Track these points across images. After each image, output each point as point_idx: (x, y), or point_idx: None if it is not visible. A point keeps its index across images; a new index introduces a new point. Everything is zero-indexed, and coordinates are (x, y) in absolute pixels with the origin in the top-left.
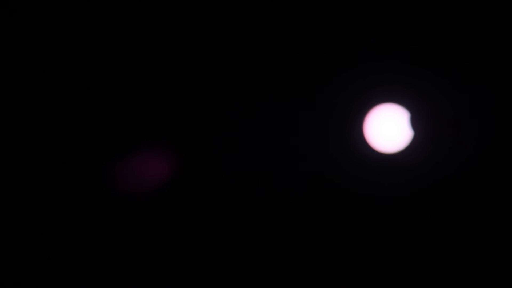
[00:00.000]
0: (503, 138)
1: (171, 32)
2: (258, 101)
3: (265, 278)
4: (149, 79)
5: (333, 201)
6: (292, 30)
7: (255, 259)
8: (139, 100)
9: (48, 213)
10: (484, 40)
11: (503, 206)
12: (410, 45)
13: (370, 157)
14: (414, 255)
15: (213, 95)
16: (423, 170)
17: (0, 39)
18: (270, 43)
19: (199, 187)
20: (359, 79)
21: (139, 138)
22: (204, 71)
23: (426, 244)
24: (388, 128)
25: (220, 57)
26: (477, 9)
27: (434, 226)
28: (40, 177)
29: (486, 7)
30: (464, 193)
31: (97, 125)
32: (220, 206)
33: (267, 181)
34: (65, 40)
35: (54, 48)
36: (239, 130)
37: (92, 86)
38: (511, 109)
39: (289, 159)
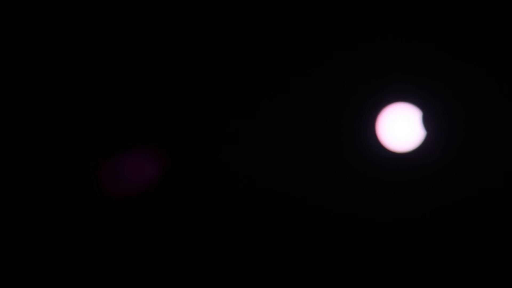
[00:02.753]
0: None
1: (162, 32)
2: (270, 101)
3: (276, 278)
4: (144, 79)
5: (345, 199)
6: (306, 30)
7: (264, 258)
8: (131, 101)
9: (38, 214)
10: (496, 40)
11: None
12: (423, 45)
13: (383, 156)
14: (424, 253)
15: (227, 93)
16: (435, 168)
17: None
18: (283, 44)
19: (203, 187)
20: (371, 79)
21: (130, 139)
22: (211, 71)
23: (436, 243)
24: (400, 127)
25: (232, 57)
26: (489, 9)
27: (445, 225)
28: (29, 178)
29: (498, 8)
30: (475, 192)
31: (88, 125)
32: (228, 206)
33: (279, 181)
34: (52, 40)
35: (40, 48)
36: (251, 129)
37: (83, 86)
38: None
39: (302, 158)
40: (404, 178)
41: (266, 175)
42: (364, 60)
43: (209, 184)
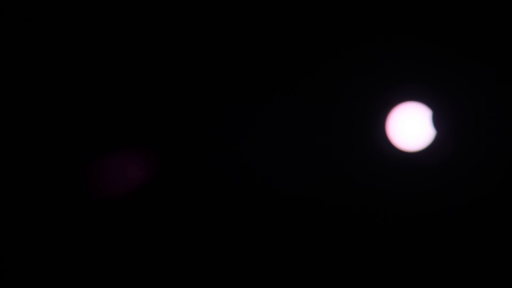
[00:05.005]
0: None
1: (156, 31)
2: (280, 101)
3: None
4: (142, 79)
5: (355, 198)
6: (316, 30)
7: (273, 257)
8: (125, 101)
9: (29, 214)
10: (506, 40)
11: None
12: (433, 44)
13: (393, 156)
14: (432, 252)
15: (236, 93)
16: (445, 167)
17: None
18: (293, 43)
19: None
20: (382, 78)
21: (121, 140)
22: (216, 71)
23: (445, 242)
24: (411, 126)
25: (240, 57)
26: (499, 10)
27: (455, 224)
28: (18, 178)
29: (509, 8)
30: (485, 191)
31: (79, 125)
32: (234, 207)
33: (289, 180)
34: (41, 41)
35: (29, 48)
36: (260, 129)
37: (74, 87)
38: None
39: (312, 158)
40: (414, 177)
41: (275, 175)
42: (374, 59)
43: (212, 184)
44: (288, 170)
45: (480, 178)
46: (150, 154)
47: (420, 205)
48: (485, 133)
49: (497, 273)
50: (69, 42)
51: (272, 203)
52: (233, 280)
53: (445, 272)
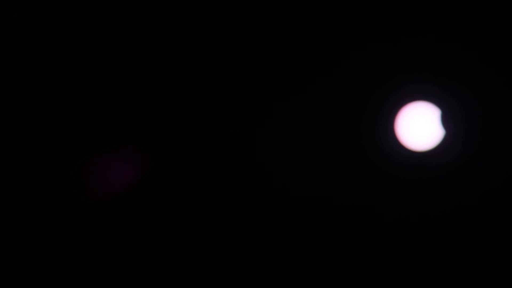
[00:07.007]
0: None
1: (156, 32)
2: (292, 102)
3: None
4: (143, 79)
5: (364, 197)
6: (324, 30)
7: (281, 255)
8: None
9: (21, 214)
10: None
11: None
12: (442, 44)
13: (402, 155)
14: (440, 250)
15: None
16: (453, 167)
17: None
18: (302, 44)
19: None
20: (390, 78)
21: (114, 140)
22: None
23: (453, 240)
24: (420, 126)
25: (254, 58)
26: (508, 10)
27: (463, 223)
28: (11, 179)
29: None
30: (492, 190)
31: (75, 125)
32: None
33: (298, 179)
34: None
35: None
36: (270, 129)
37: (72, 87)
38: None
39: (322, 157)
40: (423, 176)
41: (284, 174)
42: (383, 59)
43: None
44: (297, 169)
45: (486, 177)
46: (147, 155)
47: (428, 204)
48: (493, 132)
49: (500, 273)
50: (63, 42)
51: (281, 202)
52: (237, 281)
53: (453, 271)
